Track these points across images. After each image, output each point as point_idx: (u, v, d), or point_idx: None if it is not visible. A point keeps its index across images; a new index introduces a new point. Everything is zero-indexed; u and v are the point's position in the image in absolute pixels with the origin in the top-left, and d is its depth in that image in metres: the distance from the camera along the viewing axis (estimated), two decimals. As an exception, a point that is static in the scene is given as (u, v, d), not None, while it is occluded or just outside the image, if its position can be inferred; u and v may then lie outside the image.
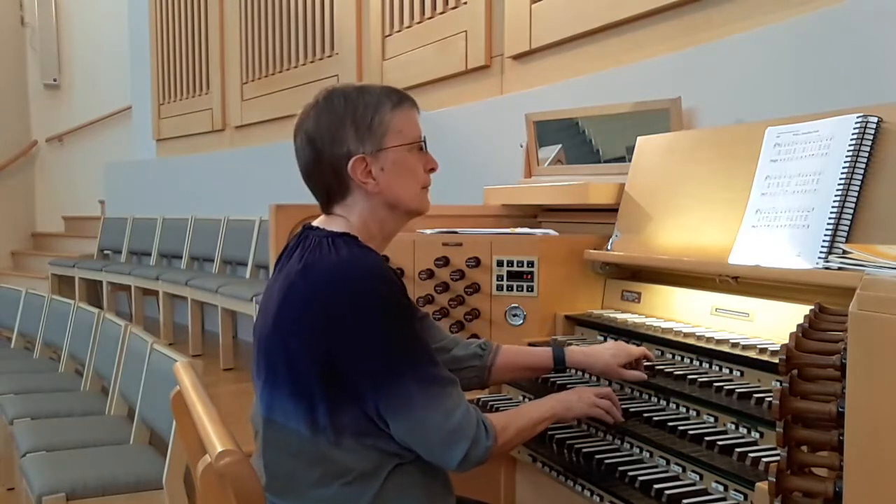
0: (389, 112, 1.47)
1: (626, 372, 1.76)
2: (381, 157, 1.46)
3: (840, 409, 0.97)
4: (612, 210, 2.28)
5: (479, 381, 1.81)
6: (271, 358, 1.44)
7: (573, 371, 2.03)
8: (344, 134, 1.44)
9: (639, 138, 2.29)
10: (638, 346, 1.89)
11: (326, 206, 1.52)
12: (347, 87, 1.49)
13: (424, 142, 1.53)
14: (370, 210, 1.49)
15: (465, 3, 3.87)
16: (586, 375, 1.97)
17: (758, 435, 1.48)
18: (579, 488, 1.60)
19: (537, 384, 2.01)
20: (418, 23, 4.21)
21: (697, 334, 1.81)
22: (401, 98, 1.50)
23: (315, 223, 1.52)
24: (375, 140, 1.45)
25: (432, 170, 1.55)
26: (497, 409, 1.95)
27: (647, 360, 1.80)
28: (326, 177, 1.47)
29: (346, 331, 1.36)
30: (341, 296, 1.37)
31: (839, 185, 1.62)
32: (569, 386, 1.90)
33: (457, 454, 1.37)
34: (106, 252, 7.28)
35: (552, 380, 1.98)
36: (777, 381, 1.52)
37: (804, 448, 1.03)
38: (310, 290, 1.39)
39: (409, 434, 1.38)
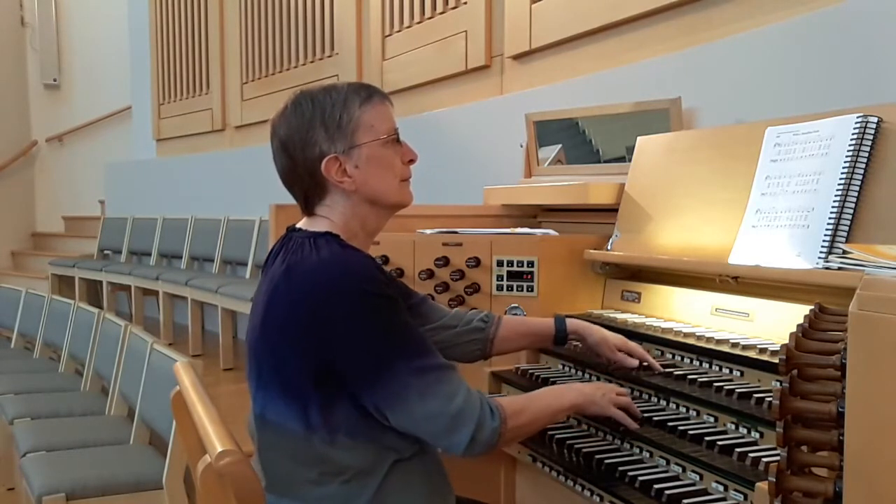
0: (358, 108, 1.45)
1: (618, 354, 1.80)
2: (354, 155, 1.45)
3: (840, 409, 0.97)
4: (612, 210, 2.28)
5: (482, 353, 1.82)
6: (261, 361, 1.45)
7: (568, 368, 2.04)
8: (314, 136, 1.43)
9: (639, 138, 2.29)
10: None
11: (306, 208, 1.51)
12: (315, 89, 1.48)
13: (398, 133, 1.50)
14: (350, 208, 1.48)
15: (465, 3, 3.87)
16: (582, 374, 1.98)
17: (758, 435, 1.48)
18: (579, 488, 1.60)
19: (537, 384, 2.01)
20: (418, 23, 4.21)
21: (697, 334, 1.81)
22: (370, 93, 1.48)
23: (298, 225, 1.52)
24: (346, 138, 1.44)
25: (411, 161, 1.53)
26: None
27: (649, 364, 1.80)
28: (303, 180, 1.47)
29: (333, 331, 1.35)
30: (325, 296, 1.36)
31: (839, 185, 1.62)
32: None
33: (462, 438, 1.36)
34: (106, 252, 7.27)
35: (552, 379, 1.98)
36: (777, 381, 1.52)
37: (804, 448, 1.03)
38: (293, 292, 1.39)
39: (411, 425, 1.37)
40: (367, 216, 1.50)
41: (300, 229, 1.50)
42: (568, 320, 1.88)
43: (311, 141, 1.44)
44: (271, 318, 1.42)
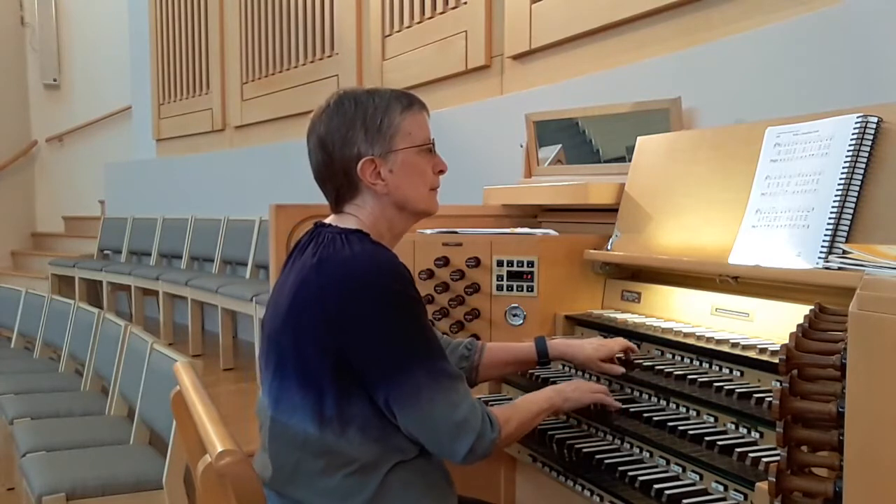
0: (399, 115, 1.50)
1: (605, 365, 1.82)
2: (390, 159, 1.49)
3: (840, 409, 0.97)
4: (612, 210, 2.28)
5: (467, 382, 1.83)
6: (281, 350, 1.47)
7: (567, 368, 2.04)
8: (354, 136, 1.48)
9: (639, 138, 2.29)
10: (637, 347, 1.90)
11: (337, 205, 1.55)
12: (358, 91, 1.53)
13: (433, 144, 1.55)
14: (380, 210, 1.52)
15: (465, 3, 3.87)
16: (583, 374, 1.98)
17: (758, 435, 1.48)
18: (579, 488, 1.60)
19: (537, 384, 2.01)
20: (418, 23, 4.21)
21: (697, 334, 1.81)
22: (410, 101, 1.53)
23: (327, 221, 1.56)
24: (384, 142, 1.49)
25: (441, 172, 1.58)
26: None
27: (632, 352, 1.85)
28: (337, 178, 1.51)
29: (359, 324, 1.38)
30: (355, 290, 1.39)
31: (839, 185, 1.62)
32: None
33: (462, 447, 1.40)
34: (106, 252, 7.28)
35: (552, 379, 1.98)
36: (777, 381, 1.52)
37: (804, 448, 1.03)
38: (324, 284, 1.41)
39: (416, 426, 1.40)
40: (395, 219, 1.54)
41: (329, 225, 1.53)
42: (550, 343, 1.89)
43: (350, 141, 1.48)
44: (299, 306, 1.44)
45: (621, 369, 1.81)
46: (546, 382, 1.98)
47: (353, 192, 1.51)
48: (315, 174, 1.55)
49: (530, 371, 2.08)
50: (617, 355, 1.85)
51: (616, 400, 1.72)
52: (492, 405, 1.98)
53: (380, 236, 1.51)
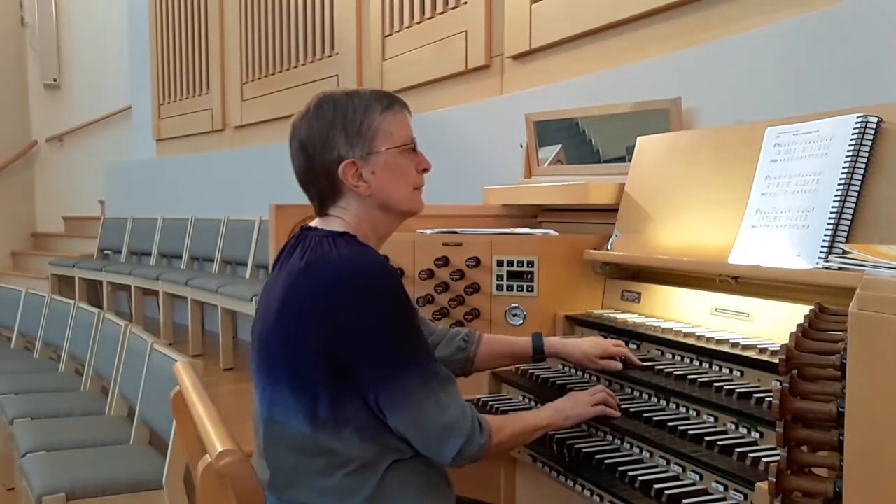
0: (379, 116, 1.49)
1: (602, 362, 1.83)
2: (372, 161, 1.48)
3: (840, 409, 0.97)
4: (612, 210, 2.28)
5: (463, 372, 1.86)
6: (273, 355, 1.46)
7: (566, 368, 2.04)
8: (334, 139, 1.47)
9: (639, 138, 2.29)
10: (637, 347, 1.90)
11: (321, 208, 1.54)
12: (337, 93, 1.51)
13: (415, 142, 1.54)
14: (364, 212, 1.51)
15: (465, 3, 3.87)
16: (582, 374, 1.98)
17: (758, 435, 1.48)
18: (579, 488, 1.60)
19: (537, 384, 2.01)
20: (418, 23, 4.21)
21: (697, 334, 1.81)
22: (391, 101, 1.52)
23: (312, 224, 1.54)
24: (365, 144, 1.47)
25: (425, 170, 1.57)
26: (497, 410, 1.96)
27: (628, 360, 1.83)
28: (319, 181, 1.50)
29: (350, 325, 1.38)
30: (345, 292, 1.39)
31: (839, 185, 1.62)
32: (568, 386, 1.90)
33: (451, 449, 1.40)
34: (106, 252, 7.27)
35: (552, 379, 1.98)
36: (777, 381, 1.52)
37: (804, 448, 1.03)
38: (313, 286, 1.41)
39: (406, 426, 1.40)
40: (379, 220, 1.54)
41: (315, 228, 1.52)
42: (546, 341, 1.89)
43: (330, 144, 1.47)
44: (288, 311, 1.44)
45: (619, 365, 1.82)
46: (546, 382, 1.98)
47: (336, 195, 1.50)
48: (298, 178, 1.54)
49: (530, 371, 2.08)
50: (616, 358, 1.84)
51: (616, 399, 1.71)
52: (492, 406, 1.99)
53: (365, 238, 1.50)
